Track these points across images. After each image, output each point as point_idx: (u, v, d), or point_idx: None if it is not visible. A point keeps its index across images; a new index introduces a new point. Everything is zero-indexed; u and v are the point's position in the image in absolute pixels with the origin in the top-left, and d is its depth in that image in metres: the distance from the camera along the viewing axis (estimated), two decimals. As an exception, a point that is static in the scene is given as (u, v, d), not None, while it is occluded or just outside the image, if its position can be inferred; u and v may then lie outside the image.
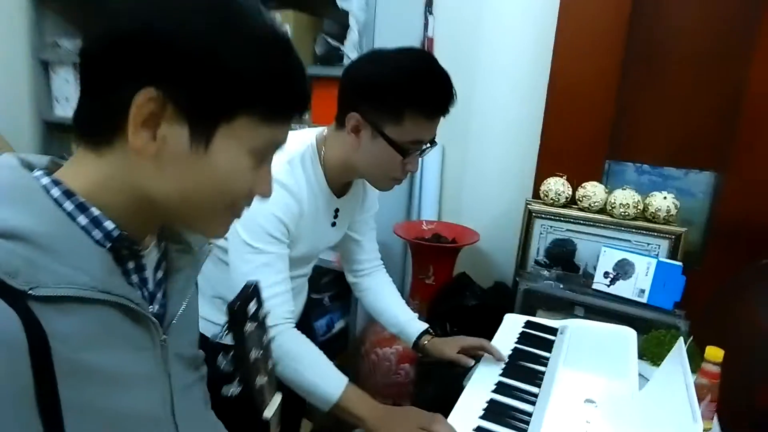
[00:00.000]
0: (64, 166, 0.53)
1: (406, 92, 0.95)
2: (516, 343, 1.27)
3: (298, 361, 0.97)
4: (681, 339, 0.99)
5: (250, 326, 0.57)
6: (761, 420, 1.30)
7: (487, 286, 1.83)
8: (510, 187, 1.93)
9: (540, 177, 1.75)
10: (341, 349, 1.91)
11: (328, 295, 1.91)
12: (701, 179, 1.69)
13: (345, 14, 1.73)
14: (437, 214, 2.07)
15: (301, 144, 1.05)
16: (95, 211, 0.50)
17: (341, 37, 1.80)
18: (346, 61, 1.77)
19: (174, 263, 0.61)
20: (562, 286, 1.58)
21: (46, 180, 0.50)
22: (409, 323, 1.27)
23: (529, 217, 1.72)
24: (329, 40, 1.83)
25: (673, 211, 1.55)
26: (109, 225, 0.50)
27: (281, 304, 1.00)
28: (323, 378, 0.98)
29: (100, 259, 0.49)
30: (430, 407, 0.99)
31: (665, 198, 1.55)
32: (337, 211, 1.15)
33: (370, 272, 1.34)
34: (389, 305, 1.31)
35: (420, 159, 1.08)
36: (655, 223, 1.57)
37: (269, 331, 0.64)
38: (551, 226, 1.69)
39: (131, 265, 0.55)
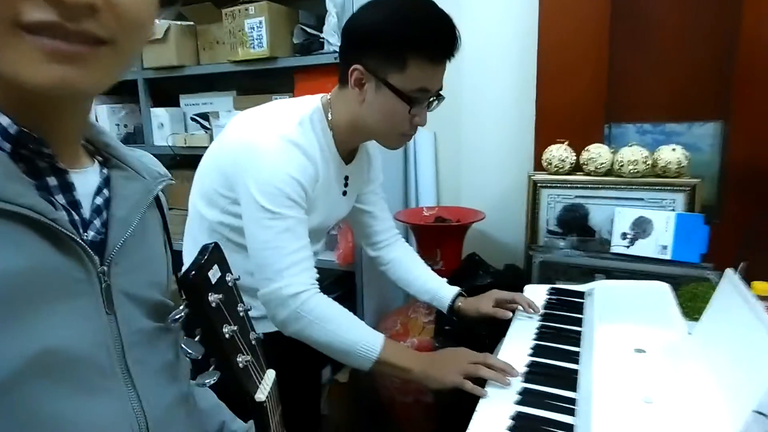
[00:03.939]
0: None
1: (407, 35, 0.91)
2: (544, 309, 1.17)
3: (332, 323, 0.93)
4: (728, 270, 0.89)
5: (214, 298, 0.47)
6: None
7: (498, 268, 1.72)
8: (509, 162, 1.85)
9: (540, 147, 1.67)
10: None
11: (333, 297, 1.78)
12: (706, 131, 1.63)
13: (320, 1, 1.67)
14: (435, 201, 1.98)
15: (307, 107, 1.00)
16: None
17: (318, 26, 1.74)
18: (327, 48, 1.70)
19: (118, 191, 0.51)
20: (579, 252, 1.50)
21: None
22: (441, 288, 1.24)
23: (534, 188, 1.64)
24: (306, 29, 1.76)
25: (684, 163, 1.47)
26: (3, 120, 0.41)
27: (306, 270, 0.94)
28: (361, 336, 0.94)
29: None
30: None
31: (674, 150, 1.48)
32: (347, 178, 1.11)
33: (390, 243, 1.29)
34: (417, 275, 1.27)
35: (426, 112, 1.03)
36: (666, 177, 1.50)
37: (244, 300, 0.54)
38: (558, 195, 1.61)
39: (53, 181, 0.45)
